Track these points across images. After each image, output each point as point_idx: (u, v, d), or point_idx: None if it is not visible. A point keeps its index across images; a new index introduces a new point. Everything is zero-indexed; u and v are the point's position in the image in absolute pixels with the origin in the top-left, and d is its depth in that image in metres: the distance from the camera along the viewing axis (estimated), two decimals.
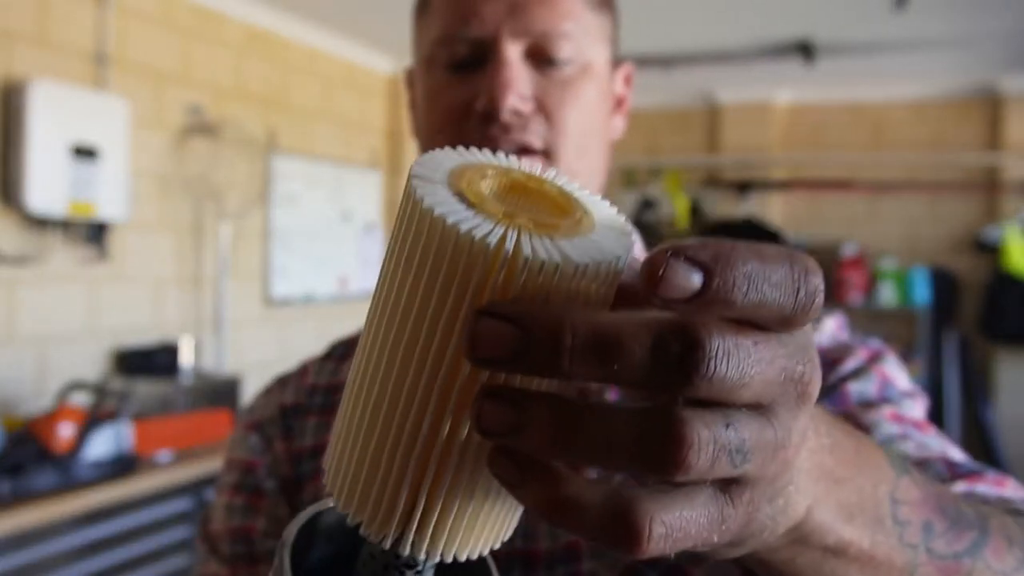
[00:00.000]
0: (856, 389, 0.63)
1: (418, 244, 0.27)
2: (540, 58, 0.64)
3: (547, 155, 0.65)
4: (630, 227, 0.30)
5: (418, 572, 0.32)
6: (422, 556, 0.30)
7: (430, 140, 0.68)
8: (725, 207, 5.12)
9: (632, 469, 0.26)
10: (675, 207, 5.10)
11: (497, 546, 0.32)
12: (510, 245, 0.26)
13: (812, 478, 0.33)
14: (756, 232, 4.93)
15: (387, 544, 0.29)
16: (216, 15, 3.42)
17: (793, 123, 5.15)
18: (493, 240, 0.26)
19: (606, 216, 0.30)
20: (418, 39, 0.70)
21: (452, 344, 0.27)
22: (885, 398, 0.63)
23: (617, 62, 0.73)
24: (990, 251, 4.63)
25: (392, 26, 3.82)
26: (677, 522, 0.26)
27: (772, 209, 5.08)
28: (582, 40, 0.65)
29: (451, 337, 0.27)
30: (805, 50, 3.98)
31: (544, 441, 0.26)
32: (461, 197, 0.27)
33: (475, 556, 0.31)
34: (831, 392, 0.63)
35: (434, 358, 0.27)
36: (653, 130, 5.31)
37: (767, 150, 5.09)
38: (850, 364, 0.65)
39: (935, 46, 3.97)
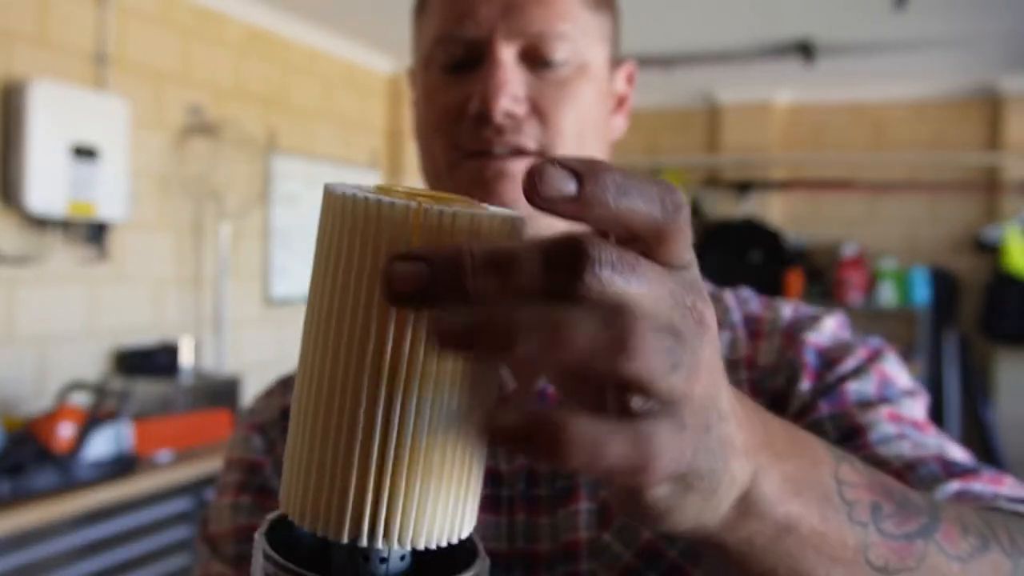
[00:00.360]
0: (855, 388, 0.63)
1: (335, 231, 0.30)
2: (535, 59, 0.64)
3: (542, 157, 0.64)
4: (523, 215, 0.33)
5: (383, 560, 0.32)
6: (381, 545, 0.30)
7: (427, 140, 0.68)
8: (725, 207, 5.12)
9: (578, 360, 0.27)
10: None
11: (463, 535, 0.32)
12: (412, 208, 0.29)
13: (752, 444, 0.34)
14: (756, 232, 4.93)
15: (345, 539, 0.30)
16: (216, 15, 3.43)
17: (793, 123, 5.15)
18: (398, 204, 0.29)
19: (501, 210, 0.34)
20: (417, 39, 0.70)
21: (375, 316, 0.30)
22: (884, 397, 0.63)
23: (618, 61, 0.72)
24: (990, 251, 4.63)
25: (392, 26, 3.82)
26: (597, 434, 0.27)
27: (772, 209, 5.08)
28: (579, 41, 0.65)
29: (372, 309, 0.30)
30: (805, 50, 3.99)
31: (492, 336, 0.27)
32: (370, 192, 0.31)
33: (440, 543, 0.31)
34: (830, 391, 0.63)
35: (361, 334, 0.30)
36: (653, 130, 5.31)
37: (767, 150, 5.09)
38: (850, 363, 0.65)
39: (935, 46, 3.97)
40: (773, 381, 0.65)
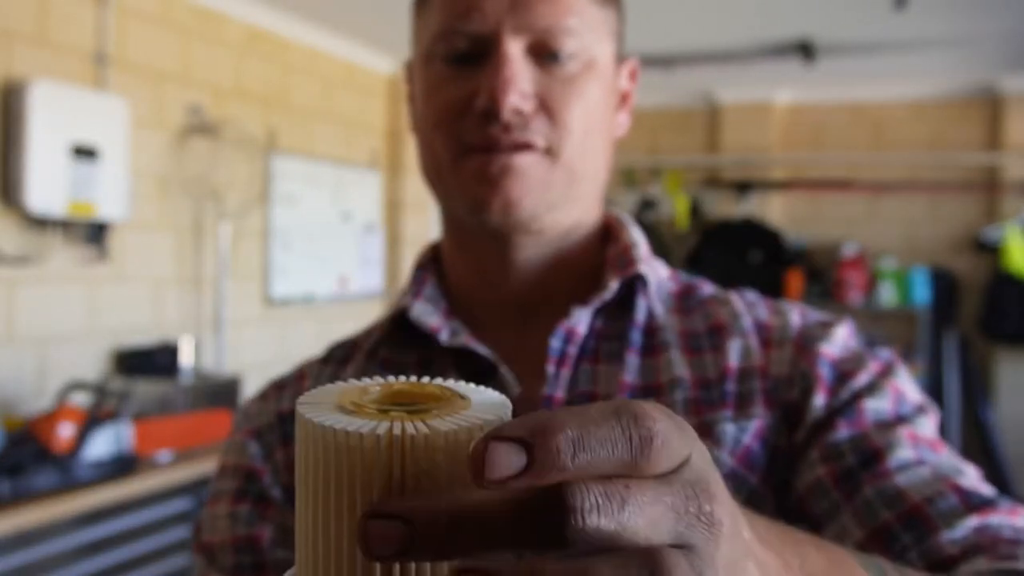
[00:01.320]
0: (872, 407, 0.62)
1: (311, 458, 0.30)
2: (542, 54, 0.62)
3: (549, 153, 0.63)
4: (508, 403, 0.32)
5: None
6: None
7: (427, 136, 0.66)
8: (725, 207, 5.12)
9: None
10: (675, 207, 5.10)
11: None
12: (382, 432, 0.28)
13: None
14: (756, 232, 4.93)
15: None
16: (216, 15, 3.43)
17: (793, 123, 5.15)
18: (366, 430, 0.28)
19: (486, 396, 0.32)
20: (417, 33, 0.68)
21: (358, 560, 0.29)
22: (900, 416, 0.62)
23: (622, 58, 0.71)
24: (990, 251, 4.63)
25: (392, 26, 3.82)
26: None
27: (772, 209, 5.08)
28: (586, 36, 0.63)
29: (354, 552, 0.29)
30: (805, 50, 3.98)
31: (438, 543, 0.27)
32: (343, 410, 0.30)
33: None
34: (846, 408, 0.62)
35: (348, 558, 0.29)
36: (653, 130, 5.31)
37: (767, 150, 5.09)
38: (863, 378, 0.64)
39: (935, 46, 3.97)
40: (787, 393, 0.64)
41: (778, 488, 0.63)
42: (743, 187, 5.04)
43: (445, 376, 0.54)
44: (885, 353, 0.67)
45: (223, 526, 0.67)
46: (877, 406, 0.62)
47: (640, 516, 0.27)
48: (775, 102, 5.09)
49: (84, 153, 2.73)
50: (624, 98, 0.72)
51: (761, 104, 5.08)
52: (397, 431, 0.28)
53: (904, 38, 3.85)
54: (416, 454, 0.28)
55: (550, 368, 0.64)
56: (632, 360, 0.65)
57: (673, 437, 0.28)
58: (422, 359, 0.68)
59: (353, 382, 0.34)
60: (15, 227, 2.67)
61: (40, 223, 2.72)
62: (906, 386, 0.65)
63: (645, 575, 0.26)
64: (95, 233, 2.87)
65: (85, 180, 2.73)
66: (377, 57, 4.35)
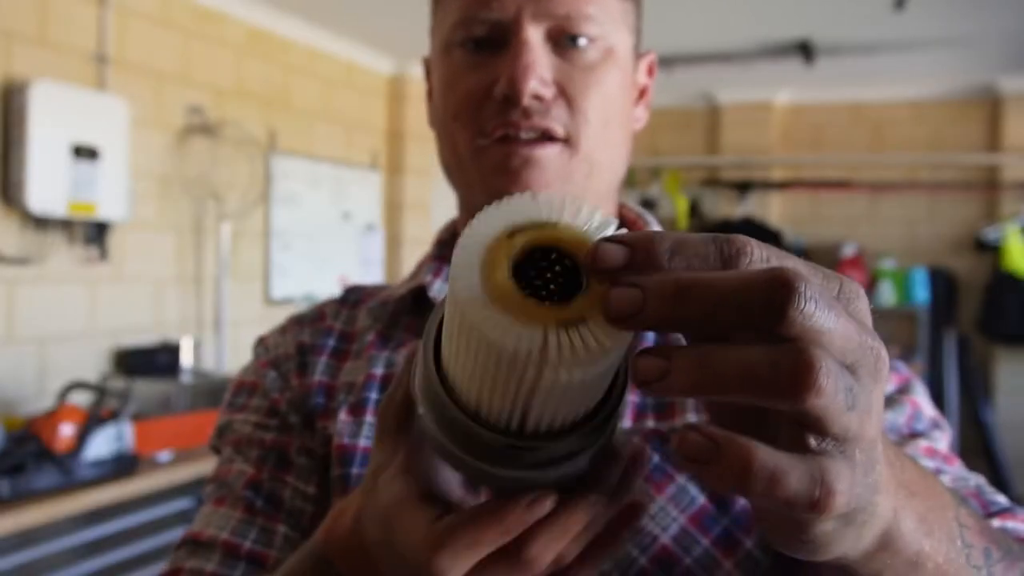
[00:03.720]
0: (890, 419, 0.63)
1: (463, 337, 0.34)
2: (562, 42, 0.62)
3: (568, 142, 0.63)
4: None
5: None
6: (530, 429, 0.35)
7: (447, 127, 0.66)
8: (725, 207, 5.12)
9: (768, 396, 0.29)
10: (675, 207, 5.10)
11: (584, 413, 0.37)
12: (535, 348, 0.32)
13: (892, 483, 0.35)
14: (756, 232, 4.93)
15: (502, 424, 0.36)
16: (216, 15, 3.43)
17: (793, 123, 5.15)
18: (535, 348, 0.32)
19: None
20: (435, 25, 0.69)
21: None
22: (915, 431, 0.63)
23: (640, 52, 0.71)
24: (990, 251, 4.63)
25: (392, 26, 3.82)
26: (780, 465, 0.29)
27: (772, 209, 5.08)
28: (605, 24, 0.63)
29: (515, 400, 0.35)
30: (805, 50, 3.99)
31: (691, 379, 0.30)
32: (494, 301, 0.33)
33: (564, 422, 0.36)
34: None
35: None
36: (653, 130, 5.31)
37: (767, 150, 5.09)
38: None
39: (934, 47, 3.97)
40: None
41: None
42: (743, 187, 5.05)
43: None
44: (903, 368, 0.68)
45: (249, 431, 0.70)
46: (894, 419, 0.63)
47: (839, 324, 0.30)
48: (775, 102, 5.09)
49: (84, 153, 2.73)
50: (642, 92, 0.73)
51: (761, 104, 5.08)
52: (551, 343, 0.32)
53: (903, 38, 3.85)
54: (560, 363, 0.32)
55: None
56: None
57: (768, 256, 0.31)
58: None
59: (490, 215, 0.35)
60: (15, 227, 2.67)
61: (40, 223, 2.72)
62: (923, 401, 0.66)
63: (819, 382, 0.29)
64: (95, 233, 2.87)
65: (85, 180, 2.73)
66: (377, 57, 4.35)
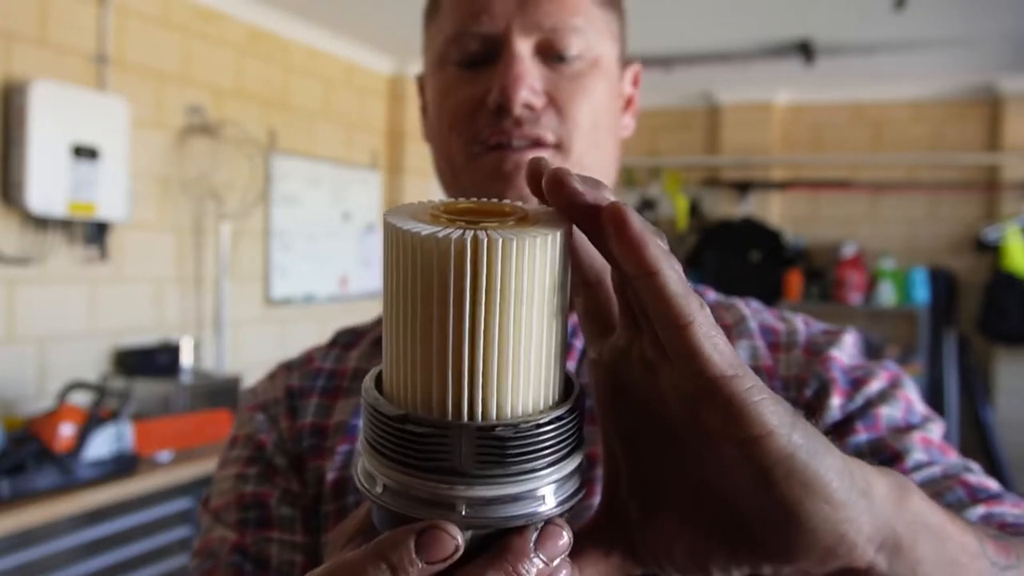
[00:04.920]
0: (886, 413, 0.64)
1: (397, 260, 0.34)
2: (550, 53, 0.65)
3: (559, 148, 0.66)
4: (566, 219, 0.36)
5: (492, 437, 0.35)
6: (478, 415, 0.34)
7: (442, 139, 0.69)
8: (725, 207, 5.12)
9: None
10: (675, 207, 5.10)
11: (549, 402, 0.36)
12: (459, 236, 0.32)
13: (868, 478, 0.36)
14: (756, 232, 4.94)
15: (449, 416, 0.34)
16: (216, 15, 3.43)
17: (793, 123, 5.15)
18: (450, 235, 0.32)
19: (541, 210, 0.37)
20: (428, 41, 0.71)
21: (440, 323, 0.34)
22: (910, 423, 0.64)
23: (626, 62, 0.74)
24: (989, 251, 4.63)
25: (392, 26, 3.82)
26: None
27: (772, 209, 5.08)
28: (591, 36, 0.66)
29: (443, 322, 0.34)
30: (805, 50, 3.99)
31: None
32: (423, 221, 0.35)
33: (527, 409, 0.35)
34: (863, 414, 0.64)
35: (424, 347, 0.34)
36: (653, 130, 5.31)
37: (767, 150, 5.09)
38: (875, 385, 0.66)
39: (934, 47, 3.97)
40: (799, 393, 0.66)
41: None
42: (743, 187, 5.05)
43: None
44: (891, 365, 0.70)
45: (229, 487, 0.70)
46: (890, 412, 0.64)
47: None
48: (775, 102, 5.09)
49: (85, 153, 2.73)
50: (629, 101, 0.75)
51: (761, 104, 5.09)
52: (475, 237, 0.33)
53: (903, 39, 3.85)
54: (490, 257, 0.32)
55: None
56: None
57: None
58: None
59: (421, 202, 0.38)
60: (16, 227, 2.67)
61: (41, 223, 2.72)
62: (914, 396, 0.67)
63: None
64: (95, 233, 2.87)
65: (86, 180, 2.73)
66: (377, 57, 4.35)
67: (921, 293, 4.65)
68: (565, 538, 0.35)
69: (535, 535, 0.34)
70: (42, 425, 2.31)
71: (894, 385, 0.67)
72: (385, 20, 3.72)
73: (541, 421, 0.34)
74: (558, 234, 0.34)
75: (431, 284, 0.33)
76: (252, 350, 3.63)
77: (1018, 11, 3.42)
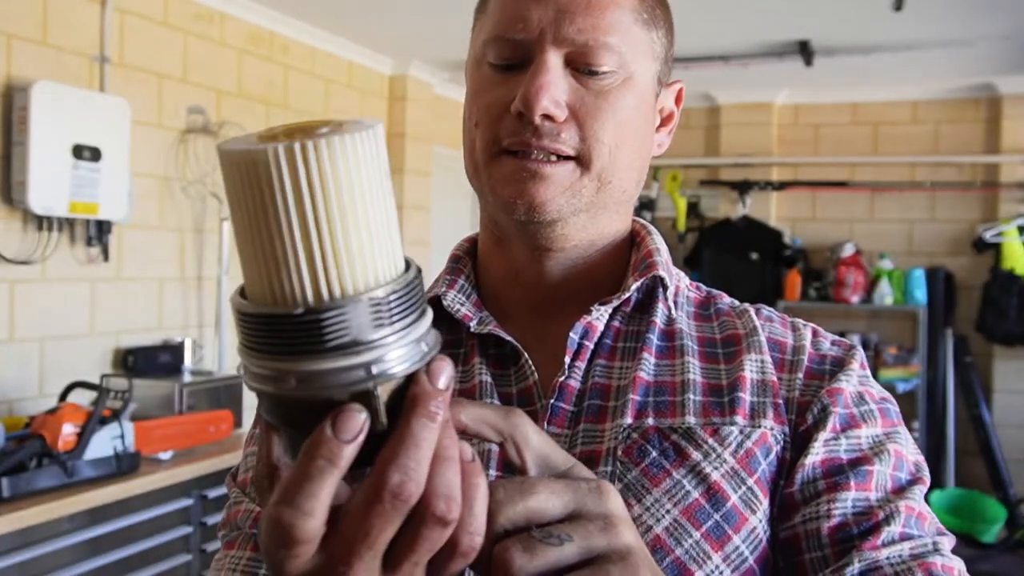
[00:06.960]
0: (878, 470, 0.65)
1: (232, 179, 0.38)
2: (580, 67, 0.66)
3: (579, 162, 0.66)
4: (378, 122, 0.40)
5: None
6: (337, 292, 0.38)
7: (471, 133, 0.70)
8: (724, 207, 5.13)
9: None
10: (675, 207, 5.11)
11: (393, 271, 0.40)
12: (279, 148, 0.36)
13: None
14: (755, 232, 4.94)
15: (310, 298, 0.38)
16: (216, 15, 3.43)
17: (792, 123, 5.16)
18: (270, 148, 0.36)
19: (365, 120, 0.40)
20: (473, 38, 0.73)
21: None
22: (898, 487, 0.65)
23: (669, 80, 0.74)
24: (988, 251, 4.64)
25: (392, 26, 3.83)
26: None
27: (771, 209, 5.09)
28: (626, 54, 0.66)
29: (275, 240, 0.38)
30: (805, 51, 3.99)
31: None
32: (255, 141, 0.38)
33: (379, 279, 0.39)
34: (854, 469, 0.65)
35: (268, 254, 0.39)
36: None
37: (766, 150, 5.10)
38: (867, 432, 0.67)
39: (933, 48, 3.98)
40: (801, 418, 0.68)
41: (771, 493, 0.66)
42: (742, 187, 5.05)
43: (471, 360, 0.71)
44: (893, 412, 0.70)
45: (254, 463, 0.71)
46: (881, 469, 0.65)
47: None
48: (774, 103, 5.09)
49: (86, 154, 2.73)
50: (667, 118, 0.76)
51: (761, 105, 5.09)
52: (297, 144, 0.36)
53: (902, 40, 3.86)
54: (309, 163, 0.36)
55: (566, 359, 0.68)
56: (648, 359, 0.69)
57: None
58: (451, 341, 0.74)
59: (249, 133, 0.41)
60: (17, 227, 2.68)
61: (42, 223, 2.72)
62: (905, 449, 0.68)
63: None
64: (97, 233, 2.88)
65: (87, 180, 2.74)
66: (377, 57, 4.36)
67: (919, 293, 4.65)
68: (448, 369, 0.40)
69: (426, 379, 0.40)
70: (43, 424, 2.32)
71: (889, 435, 0.68)
72: (385, 20, 3.73)
73: (408, 278, 0.40)
74: (376, 128, 0.39)
75: (264, 194, 0.37)
76: None
77: (1017, 12, 3.43)
